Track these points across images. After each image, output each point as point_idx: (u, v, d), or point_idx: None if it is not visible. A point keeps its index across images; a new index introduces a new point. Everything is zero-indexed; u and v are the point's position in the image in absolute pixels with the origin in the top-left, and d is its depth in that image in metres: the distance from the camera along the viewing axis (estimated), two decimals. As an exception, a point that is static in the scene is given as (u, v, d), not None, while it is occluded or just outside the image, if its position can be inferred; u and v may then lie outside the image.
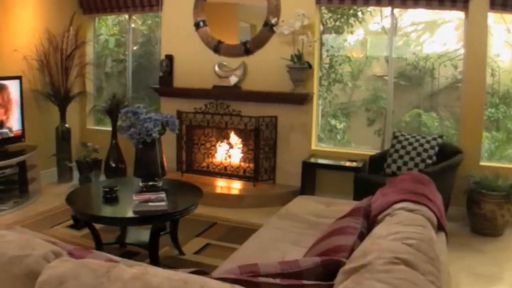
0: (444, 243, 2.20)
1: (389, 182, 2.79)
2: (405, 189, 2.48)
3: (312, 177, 5.50)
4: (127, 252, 4.07)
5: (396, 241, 1.65)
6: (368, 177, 4.81)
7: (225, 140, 5.99)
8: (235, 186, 5.72)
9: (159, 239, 3.71)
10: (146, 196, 3.74)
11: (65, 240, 4.26)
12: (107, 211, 3.75)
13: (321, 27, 5.66)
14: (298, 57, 5.28)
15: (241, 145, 5.92)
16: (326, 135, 5.98)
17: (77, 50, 6.40)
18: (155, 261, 3.65)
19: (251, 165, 5.72)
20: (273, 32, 5.50)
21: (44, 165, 6.26)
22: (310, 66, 5.32)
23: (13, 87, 5.63)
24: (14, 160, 5.43)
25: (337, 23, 5.76)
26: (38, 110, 6.25)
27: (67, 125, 6.37)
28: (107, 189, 3.83)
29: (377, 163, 5.00)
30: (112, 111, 6.12)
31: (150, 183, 4.09)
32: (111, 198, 3.81)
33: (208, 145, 6.02)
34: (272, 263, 1.71)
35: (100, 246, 3.84)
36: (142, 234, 4.05)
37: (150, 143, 4.05)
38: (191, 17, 6.00)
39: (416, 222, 1.95)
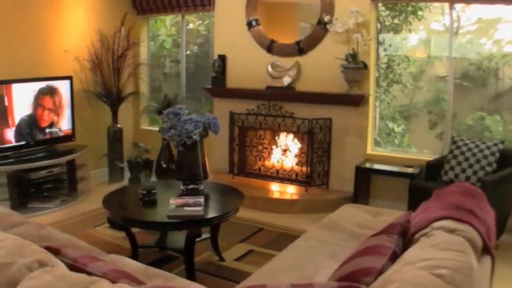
0: (488, 271, 1.92)
1: (434, 194, 2.52)
2: (450, 204, 2.21)
3: (366, 183, 5.25)
4: (166, 256, 4.00)
5: (424, 270, 1.43)
6: (423, 185, 4.50)
7: (278, 143, 5.81)
8: (286, 190, 5.54)
9: (194, 245, 3.60)
10: (184, 200, 3.64)
11: (104, 241, 4.29)
12: (142, 214, 3.67)
13: (378, 25, 5.38)
14: (353, 56, 5.04)
15: (293, 148, 5.73)
16: (384, 138, 5.69)
17: (129, 51, 6.39)
18: (190, 267, 3.54)
19: (304, 169, 5.51)
20: (326, 30, 5.27)
21: (95, 165, 6.33)
22: (365, 66, 5.07)
23: (63, 87, 5.70)
24: (63, 159, 5.51)
25: (395, 21, 5.46)
26: (90, 110, 6.31)
27: (119, 125, 6.39)
28: (145, 192, 3.76)
29: (434, 169, 4.68)
30: (163, 111, 6.07)
31: (191, 186, 4.00)
32: (149, 201, 3.74)
33: (260, 147, 5.87)
34: (283, 285, 1.53)
35: (136, 249, 3.78)
36: (182, 239, 3.94)
37: (191, 145, 3.96)
38: (243, 16, 5.86)
39: (455, 246, 1.69)
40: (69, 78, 5.78)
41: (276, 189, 5.61)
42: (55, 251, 1.81)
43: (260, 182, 5.76)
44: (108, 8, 6.43)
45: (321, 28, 5.30)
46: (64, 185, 5.68)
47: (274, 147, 5.82)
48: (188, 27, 7.07)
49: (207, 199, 3.84)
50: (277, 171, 5.70)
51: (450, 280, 1.37)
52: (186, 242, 3.57)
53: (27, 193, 5.29)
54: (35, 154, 5.36)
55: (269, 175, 5.75)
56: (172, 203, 3.55)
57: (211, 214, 3.54)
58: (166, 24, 7.43)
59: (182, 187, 4.01)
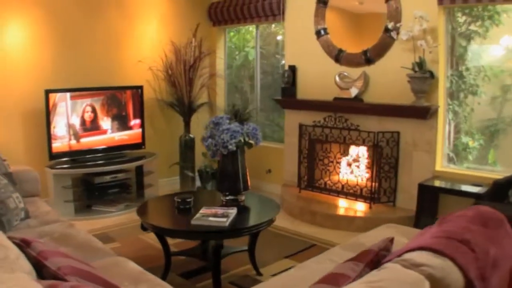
0: None
1: (441, 219, 2.24)
2: (446, 231, 1.94)
3: (433, 201, 4.89)
4: (204, 266, 3.99)
5: None
6: (487, 205, 4.09)
7: (343, 157, 5.59)
8: (349, 206, 5.32)
9: (219, 255, 3.55)
10: (214, 210, 3.64)
11: (151, 246, 4.44)
12: (169, 221, 3.76)
13: (450, 31, 5.02)
14: (420, 65, 4.74)
15: (359, 163, 5.49)
16: (461, 154, 5.28)
17: (202, 61, 6.52)
18: (216, 278, 3.51)
19: (369, 184, 5.26)
20: (394, 38, 5.01)
21: (167, 173, 6.52)
22: (432, 76, 4.74)
23: (134, 96, 5.92)
24: (128, 165, 5.71)
25: (472, 27, 5.05)
26: (163, 119, 6.53)
27: (191, 135, 6.50)
28: (180, 200, 3.80)
29: (502, 188, 4.25)
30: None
31: (230, 197, 3.96)
32: (183, 209, 3.79)
33: (326, 161, 5.69)
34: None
35: (168, 255, 3.80)
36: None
37: (231, 156, 3.92)
38: (312, 25, 5.75)
39: (392, 284, 1.48)
40: (140, 87, 6.01)
41: (339, 204, 5.41)
42: (27, 243, 1.97)
43: (325, 196, 5.60)
44: (181, 19, 6.64)
45: (388, 36, 5.05)
46: (131, 190, 5.88)
47: (339, 161, 5.61)
48: (278, 38, 7.03)
49: (243, 211, 3.79)
50: (342, 186, 5.49)
51: None
52: (212, 253, 3.55)
53: (92, 196, 5.53)
54: (101, 159, 5.61)
55: (334, 190, 5.57)
56: (200, 213, 3.54)
57: (237, 225, 3.47)
58: (252, 35, 7.46)
59: (222, 197, 3.99)
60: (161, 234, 3.68)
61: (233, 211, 3.59)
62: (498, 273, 1.90)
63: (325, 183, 5.70)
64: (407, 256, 1.75)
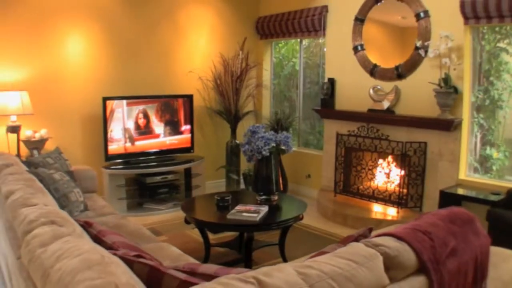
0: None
1: (419, 215, 2.70)
2: (415, 224, 2.40)
3: (454, 208, 5.24)
4: (241, 258, 4.47)
5: (298, 268, 1.76)
6: (502, 213, 4.46)
7: (374, 164, 6.02)
8: (378, 210, 5.79)
9: (251, 247, 4.09)
10: (248, 207, 4.21)
11: (194, 240, 5.04)
12: (208, 215, 4.33)
13: (478, 49, 5.36)
14: (445, 81, 5.13)
15: (388, 170, 5.92)
16: (485, 164, 5.60)
17: (249, 72, 7.12)
18: (248, 268, 4.02)
19: (397, 190, 5.66)
20: (422, 56, 5.41)
21: (214, 176, 7.14)
22: (456, 91, 5.12)
23: (185, 103, 6.56)
24: (179, 168, 6.37)
25: (499, 44, 5.38)
26: (211, 126, 7.17)
27: (237, 141, 7.06)
28: (219, 198, 4.37)
29: (517, 196, 4.60)
30: (274, 129, 6.63)
31: (264, 197, 4.49)
32: (222, 206, 4.36)
33: (359, 167, 6.14)
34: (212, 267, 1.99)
35: (208, 247, 4.37)
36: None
37: (265, 161, 4.45)
38: (350, 41, 6.21)
39: (353, 257, 1.93)
40: (191, 96, 6.65)
41: (369, 208, 5.86)
42: (88, 224, 2.57)
43: (357, 201, 6.08)
44: (229, 33, 7.31)
45: (418, 53, 5.45)
46: (179, 191, 6.52)
47: (370, 168, 6.04)
48: (324, 49, 7.50)
49: (274, 209, 4.36)
50: (373, 191, 5.93)
51: (313, 281, 1.69)
52: (245, 244, 4.10)
53: (144, 194, 6.22)
54: (153, 161, 6.29)
55: (365, 195, 6.03)
56: (235, 209, 4.10)
57: (267, 221, 4.06)
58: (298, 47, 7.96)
59: (257, 197, 4.53)
60: (201, 226, 4.28)
61: (264, 209, 4.15)
62: (456, 259, 2.35)
63: (358, 189, 6.17)
64: (373, 239, 2.23)
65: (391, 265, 2.05)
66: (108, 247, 2.29)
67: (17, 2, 5.56)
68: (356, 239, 2.40)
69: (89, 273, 1.60)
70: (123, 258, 1.92)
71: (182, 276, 1.84)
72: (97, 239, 2.41)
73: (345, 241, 2.41)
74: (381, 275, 1.98)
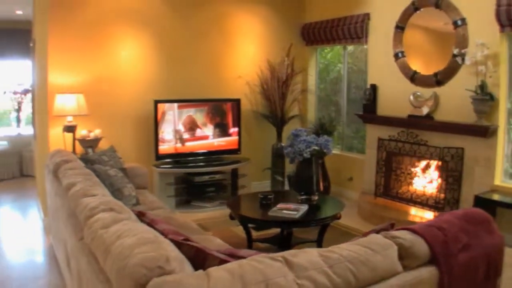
0: (422, 277, 2.36)
1: (440, 214, 3.00)
2: (431, 221, 2.70)
3: (489, 212, 5.41)
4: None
5: (321, 251, 2.11)
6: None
7: (413, 169, 6.27)
8: (415, 213, 6.05)
9: (290, 242, 4.47)
10: (288, 205, 4.58)
11: (236, 235, 5.40)
12: (251, 212, 4.73)
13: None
14: (481, 88, 5.35)
15: (426, 175, 6.16)
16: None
17: (294, 78, 7.49)
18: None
19: (434, 194, 5.90)
20: (459, 63, 5.64)
21: (259, 177, 7.55)
22: (492, 98, 5.34)
23: (233, 107, 6.97)
24: (226, 168, 6.81)
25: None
26: (258, 129, 7.59)
27: (282, 144, 7.42)
28: (262, 197, 4.76)
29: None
30: (316, 133, 6.96)
31: (304, 197, 4.86)
32: (265, 204, 4.75)
33: (398, 172, 6.41)
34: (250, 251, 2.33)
35: (250, 241, 4.81)
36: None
37: (306, 162, 4.80)
38: (391, 48, 6.49)
39: (370, 245, 2.24)
40: (238, 100, 7.07)
41: (407, 211, 6.15)
42: (142, 214, 2.97)
43: (396, 204, 6.37)
44: (276, 40, 7.73)
45: (456, 60, 5.68)
46: (226, 190, 6.95)
47: (409, 172, 6.30)
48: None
49: (313, 208, 4.73)
50: (411, 195, 6.19)
51: (332, 262, 2.03)
52: (284, 238, 4.47)
53: (192, 193, 6.68)
54: (202, 161, 6.75)
55: (404, 198, 6.31)
56: (277, 207, 4.47)
57: (305, 218, 4.43)
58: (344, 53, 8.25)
59: (298, 197, 4.88)
60: (245, 222, 4.68)
61: (304, 207, 4.52)
62: (468, 254, 2.64)
63: (397, 192, 6.42)
64: (391, 232, 2.55)
65: (405, 255, 2.35)
66: (160, 233, 2.67)
67: (74, 11, 6.17)
68: (378, 232, 2.73)
69: (144, 248, 2.00)
70: (172, 241, 2.30)
71: (223, 256, 2.21)
72: (150, 226, 2.75)
73: (367, 233, 2.74)
74: (395, 263, 2.29)
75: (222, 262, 2.07)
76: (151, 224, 2.79)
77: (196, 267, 2.03)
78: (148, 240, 2.09)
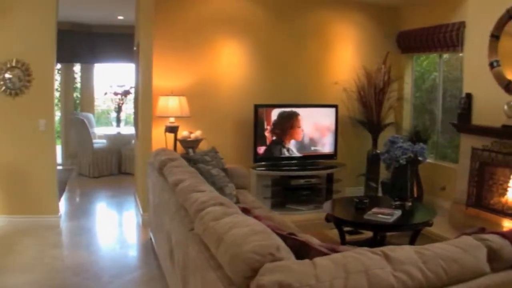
0: (503, 280, 2.42)
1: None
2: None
3: None
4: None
5: (418, 249, 2.36)
6: None
7: (506, 179, 6.36)
8: (505, 225, 6.07)
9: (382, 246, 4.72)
10: (383, 210, 4.89)
11: (329, 238, 5.66)
12: (346, 214, 5.08)
13: None
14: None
15: (515, 186, 6.28)
16: None
17: (391, 86, 7.84)
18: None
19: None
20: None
21: (354, 182, 7.95)
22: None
23: (330, 113, 7.40)
24: (321, 172, 7.27)
25: None
26: (354, 135, 8.05)
27: (378, 151, 7.69)
28: (358, 200, 5.11)
29: None
30: (412, 141, 7.13)
31: (398, 202, 5.14)
32: (360, 208, 5.09)
33: (491, 182, 6.51)
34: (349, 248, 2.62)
35: (343, 244, 5.10)
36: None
37: (402, 169, 5.07)
38: (486, 57, 6.60)
39: (461, 245, 2.41)
40: (335, 106, 7.50)
41: (497, 222, 6.15)
42: (247, 211, 3.34)
43: (487, 215, 6.40)
44: (372, 47, 8.12)
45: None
46: (321, 194, 7.39)
47: (501, 183, 6.42)
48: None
49: (406, 213, 5.01)
50: (503, 206, 6.27)
51: (426, 258, 2.26)
52: (377, 244, 4.75)
53: (287, 195, 7.15)
54: (298, 165, 7.24)
55: (495, 210, 6.37)
56: (372, 211, 4.79)
57: (398, 223, 4.73)
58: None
59: (392, 202, 5.17)
60: (340, 223, 5.05)
61: (397, 212, 4.85)
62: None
63: (489, 203, 6.53)
64: (481, 235, 2.79)
65: (494, 257, 2.45)
66: (265, 227, 3.05)
67: (177, 17, 6.86)
68: (469, 234, 2.95)
69: (256, 237, 2.33)
70: (278, 234, 2.60)
71: (325, 250, 2.54)
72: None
73: (459, 236, 3.00)
74: (483, 263, 2.40)
75: (324, 255, 2.28)
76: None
77: (300, 259, 2.25)
78: (259, 231, 2.43)
